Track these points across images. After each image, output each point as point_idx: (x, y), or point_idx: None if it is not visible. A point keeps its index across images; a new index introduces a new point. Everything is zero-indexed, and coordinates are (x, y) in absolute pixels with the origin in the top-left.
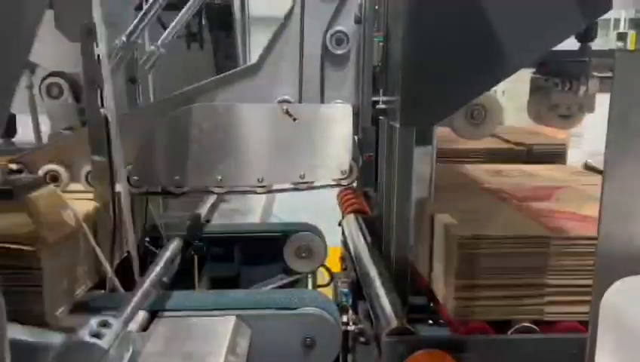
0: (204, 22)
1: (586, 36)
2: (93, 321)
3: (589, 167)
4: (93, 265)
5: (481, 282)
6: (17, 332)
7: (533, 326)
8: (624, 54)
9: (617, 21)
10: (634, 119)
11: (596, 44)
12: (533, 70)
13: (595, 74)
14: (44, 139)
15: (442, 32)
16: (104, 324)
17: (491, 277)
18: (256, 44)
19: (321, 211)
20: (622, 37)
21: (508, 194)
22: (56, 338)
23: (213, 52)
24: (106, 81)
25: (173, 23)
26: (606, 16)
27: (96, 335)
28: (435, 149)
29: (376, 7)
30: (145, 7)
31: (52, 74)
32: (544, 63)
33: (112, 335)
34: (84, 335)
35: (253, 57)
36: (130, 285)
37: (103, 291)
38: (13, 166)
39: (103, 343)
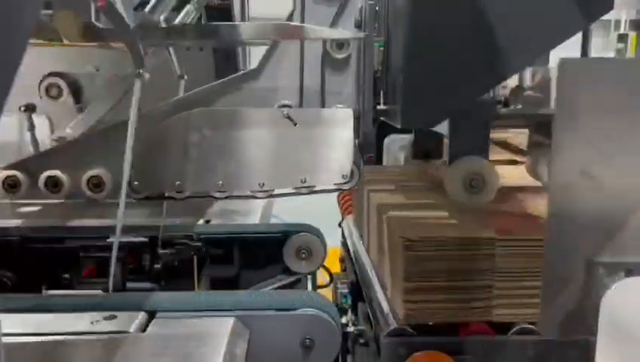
0: (203, 22)
1: None
2: None
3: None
4: None
5: (428, 285)
6: None
7: (534, 328)
8: (566, 61)
9: (618, 22)
10: (575, 118)
11: (597, 45)
12: (531, 131)
13: None
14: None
15: (442, 34)
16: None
17: (439, 280)
18: (255, 48)
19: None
20: (622, 38)
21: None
22: None
23: (213, 53)
24: None
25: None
26: (606, 17)
27: None
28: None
29: (377, 10)
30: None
31: (51, 74)
32: (543, 124)
33: None
34: None
35: (253, 58)
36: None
37: (100, 291)
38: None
39: None
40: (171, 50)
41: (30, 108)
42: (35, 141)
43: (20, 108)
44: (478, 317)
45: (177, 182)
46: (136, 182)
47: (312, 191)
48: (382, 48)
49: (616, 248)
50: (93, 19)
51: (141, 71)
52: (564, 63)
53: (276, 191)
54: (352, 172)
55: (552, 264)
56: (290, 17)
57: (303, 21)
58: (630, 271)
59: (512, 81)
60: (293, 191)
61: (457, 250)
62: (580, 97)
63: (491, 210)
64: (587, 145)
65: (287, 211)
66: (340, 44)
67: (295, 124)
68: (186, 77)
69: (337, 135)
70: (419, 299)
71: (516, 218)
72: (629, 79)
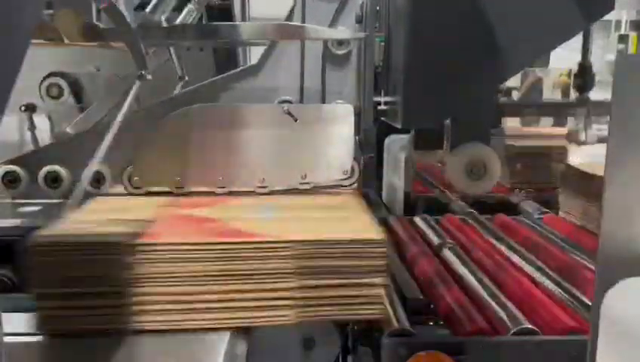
0: (204, 22)
1: (583, 87)
2: None
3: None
4: None
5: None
6: None
7: (535, 328)
8: (624, 58)
9: (618, 23)
10: (634, 123)
11: (598, 46)
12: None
13: (595, 127)
14: (42, 141)
15: (444, 32)
16: None
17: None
18: (256, 46)
19: None
20: (623, 39)
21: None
22: None
23: (214, 52)
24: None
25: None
26: (607, 17)
27: None
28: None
29: (378, 7)
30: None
31: (52, 74)
32: (543, 113)
33: None
34: None
35: (254, 58)
36: None
37: None
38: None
39: None
40: (172, 50)
41: (30, 108)
42: (35, 140)
43: (20, 108)
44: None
45: (177, 178)
46: (136, 178)
47: (312, 188)
48: (383, 43)
49: None
50: (94, 20)
51: (143, 72)
52: (622, 60)
53: (276, 187)
54: (352, 168)
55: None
56: (290, 14)
57: (303, 18)
58: None
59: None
60: (293, 187)
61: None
62: None
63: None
64: None
65: None
66: (341, 41)
67: (295, 120)
68: (187, 78)
69: (338, 131)
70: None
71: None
72: None
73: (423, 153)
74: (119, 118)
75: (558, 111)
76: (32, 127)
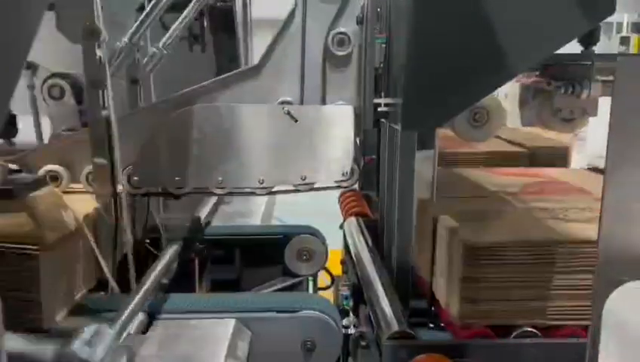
0: (206, 24)
1: (589, 40)
2: (87, 332)
3: (593, 169)
4: (93, 266)
5: (485, 287)
6: (11, 341)
7: (535, 331)
8: (625, 59)
9: (620, 25)
10: (634, 123)
11: (599, 48)
12: (536, 74)
13: (599, 78)
14: (46, 140)
15: (445, 34)
16: (98, 334)
17: (496, 282)
18: (258, 46)
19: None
20: (625, 41)
21: (512, 196)
22: (49, 348)
23: (215, 54)
24: (106, 82)
25: (175, 25)
26: (609, 19)
27: (89, 344)
28: (436, 152)
29: (379, 8)
30: (147, 8)
31: (54, 75)
32: (547, 67)
33: (105, 347)
34: (78, 347)
35: (255, 60)
36: (129, 287)
37: (102, 293)
38: (13, 166)
39: (95, 357)
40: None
41: (32, 67)
42: (35, 108)
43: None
44: (532, 319)
45: (177, 178)
46: (135, 178)
47: (312, 189)
48: (383, 45)
49: None
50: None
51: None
52: (623, 62)
53: (276, 188)
54: (351, 169)
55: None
56: (291, 15)
57: (304, 19)
58: None
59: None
60: (292, 188)
61: (515, 253)
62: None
63: (548, 210)
64: None
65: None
66: (341, 42)
67: (295, 121)
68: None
69: (338, 132)
70: (474, 300)
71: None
72: None
73: None
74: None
75: (562, 70)
76: (32, 88)
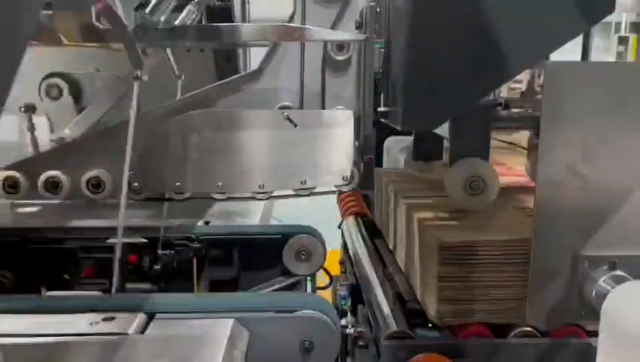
0: (204, 23)
1: None
2: None
3: None
4: None
5: (463, 286)
6: None
7: (534, 331)
8: (552, 64)
9: (618, 25)
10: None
11: (597, 47)
12: (531, 133)
13: None
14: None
15: (443, 36)
16: None
17: (474, 281)
18: (256, 47)
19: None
20: (623, 40)
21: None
22: None
23: (213, 54)
24: None
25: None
26: (607, 19)
27: None
28: None
29: (377, 12)
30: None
31: (52, 75)
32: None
33: None
34: None
35: (254, 60)
36: (128, 286)
37: (99, 292)
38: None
39: None
40: (169, 51)
41: (30, 109)
42: (34, 141)
43: (20, 109)
44: (513, 320)
45: (177, 183)
46: (136, 183)
47: (312, 193)
48: (382, 50)
49: (600, 242)
50: (93, 20)
51: (139, 73)
52: (550, 66)
53: (276, 193)
54: (351, 173)
55: (539, 258)
56: (291, 19)
57: (303, 23)
58: (613, 264)
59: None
60: (292, 192)
61: (494, 252)
62: (565, 98)
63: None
64: (573, 144)
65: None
66: (341, 46)
67: (295, 126)
68: (182, 77)
69: (337, 137)
70: (452, 300)
71: None
72: (611, 82)
73: (422, 164)
74: (130, 125)
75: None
76: (32, 128)
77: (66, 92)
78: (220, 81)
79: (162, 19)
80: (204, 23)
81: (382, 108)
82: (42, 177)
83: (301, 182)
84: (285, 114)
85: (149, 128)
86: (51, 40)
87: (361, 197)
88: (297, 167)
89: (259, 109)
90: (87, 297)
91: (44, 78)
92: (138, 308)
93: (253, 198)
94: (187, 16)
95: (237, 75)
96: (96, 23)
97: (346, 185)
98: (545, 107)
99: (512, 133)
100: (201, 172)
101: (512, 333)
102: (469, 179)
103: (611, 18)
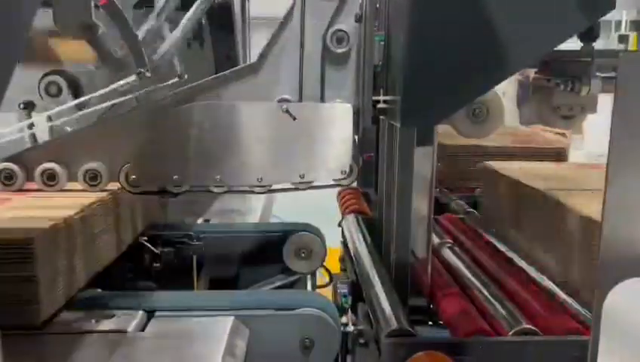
0: (204, 21)
1: (588, 36)
2: None
3: None
4: (91, 262)
5: None
6: None
7: (534, 329)
8: (628, 56)
9: (619, 23)
10: (637, 120)
11: (598, 45)
12: (535, 70)
13: (598, 74)
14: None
15: (443, 31)
16: None
17: None
18: (256, 44)
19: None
20: (623, 39)
21: None
22: None
23: (213, 51)
24: None
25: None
26: (607, 17)
27: None
28: (435, 149)
29: (377, 5)
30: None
31: (51, 72)
32: (546, 63)
33: None
34: None
35: (253, 58)
36: (127, 284)
37: (99, 289)
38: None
39: None
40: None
41: (29, 106)
42: (33, 139)
43: (19, 106)
44: None
45: (175, 176)
46: (133, 176)
47: (311, 187)
48: (382, 43)
49: None
50: (92, 18)
51: (142, 70)
52: (626, 58)
53: (274, 186)
54: (350, 168)
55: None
56: (289, 13)
57: (303, 16)
58: None
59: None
60: (291, 186)
61: None
62: None
63: None
64: None
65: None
66: (340, 39)
67: (294, 119)
68: (186, 76)
69: (336, 130)
70: None
71: None
72: None
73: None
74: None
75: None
76: (31, 125)
77: (65, 89)
78: (219, 74)
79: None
80: (204, 22)
81: (381, 105)
82: (39, 169)
83: (300, 176)
84: (284, 107)
85: (146, 121)
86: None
87: (361, 195)
88: (296, 160)
89: (257, 102)
90: (88, 293)
91: (43, 76)
92: (138, 305)
93: (252, 191)
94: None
95: (236, 68)
96: (97, 22)
97: (345, 179)
98: (617, 106)
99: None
100: (199, 165)
101: (513, 331)
102: (472, 105)
103: (611, 16)
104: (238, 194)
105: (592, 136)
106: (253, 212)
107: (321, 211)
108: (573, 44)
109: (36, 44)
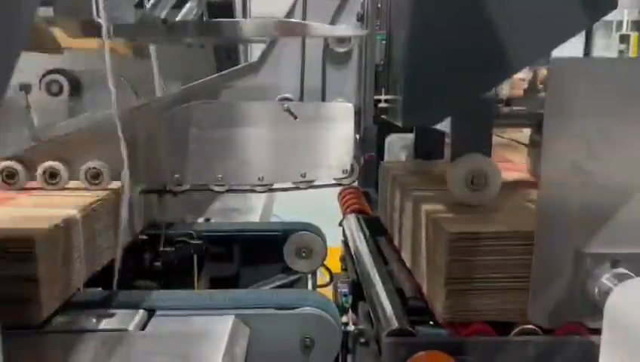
0: (205, 19)
1: None
2: None
3: None
4: (90, 261)
5: (473, 282)
6: None
7: (536, 329)
8: (557, 60)
9: (620, 23)
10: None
11: (599, 46)
12: (533, 131)
13: None
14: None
15: (445, 30)
16: None
17: (485, 277)
18: (257, 43)
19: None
20: (624, 39)
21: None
22: None
23: (214, 50)
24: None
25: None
26: (608, 17)
27: None
28: None
29: (379, 4)
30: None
31: (52, 71)
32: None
33: None
34: None
35: (255, 56)
36: (127, 283)
37: (99, 288)
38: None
39: None
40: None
41: (26, 88)
42: (31, 121)
43: (19, 88)
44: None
45: (176, 175)
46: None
47: (312, 186)
48: (384, 42)
49: (603, 240)
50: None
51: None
52: (555, 62)
53: (275, 186)
54: (352, 167)
55: (541, 255)
56: (291, 11)
57: (304, 15)
58: (616, 262)
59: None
60: (292, 185)
61: (507, 245)
62: (570, 94)
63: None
64: (577, 141)
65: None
66: (342, 39)
67: (295, 118)
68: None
69: (338, 129)
70: (461, 296)
71: None
72: (617, 78)
73: (424, 162)
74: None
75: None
76: (28, 107)
77: (66, 89)
78: (219, 73)
79: (162, 15)
80: (205, 19)
81: (382, 103)
82: (41, 168)
83: (301, 175)
84: (285, 106)
85: (147, 119)
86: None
87: (362, 195)
88: (297, 159)
89: (258, 101)
90: (87, 292)
91: (44, 75)
92: (138, 304)
93: (253, 191)
94: (188, 12)
95: (236, 67)
96: (97, 19)
97: (346, 178)
98: (548, 102)
99: (515, 132)
100: (200, 164)
101: (514, 331)
102: (470, 174)
103: (613, 16)
104: (238, 194)
105: None
106: (253, 211)
107: (321, 211)
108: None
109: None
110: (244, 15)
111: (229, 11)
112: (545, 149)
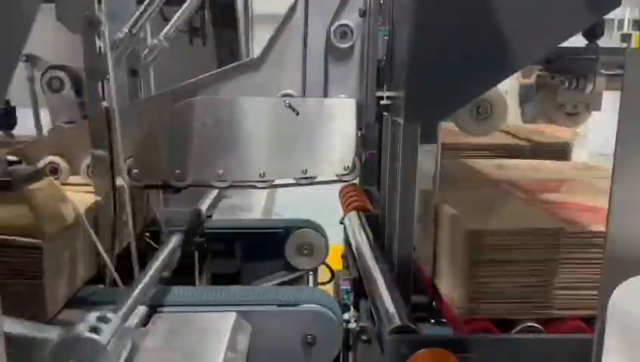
0: (207, 17)
1: (593, 33)
2: (92, 316)
3: None
4: (93, 258)
5: (489, 278)
6: (14, 327)
7: (538, 326)
8: (634, 53)
9: (621, 22)
10: None
11: (600, 44)
12: (540, 67)
13: (603, 71)
14: (45, 132)
15: (448, 27)
16: (102, 319)
17: (501, 273)
18: (258, 41)
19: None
20: (626, 38)
21: (515, 187)
22: (52, 333)
23: (216, 48)
24: (108, 73)
25: (177, 15)
26: (610, 16)
27: (94, 330)
28: (439, 146)
29: (381, 0)
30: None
31: (53, 67)
32: (550, 61)
33: (110, 330)
34: (82, 330)
35: (257, 54)
36: (129, 279)
37: (101, 285)
38: (12, 157)
39: (101, 339)
40: None
41: (32, 59)
42: (34, 95)
43: (22, 59)
44: (537, 311)
45: (177, 171)
46: (135, 170)
47: (313, 182)
48: (386, 37)
49: None
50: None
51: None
52: (630, 55)
53: (277, 182)
54: (353, 163)
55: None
56: (293, 8)
57: (307, 10)
58: None
59: None
60: (293, 181)
61: (520, 241)
62: None
63: (550, 201)
64: None
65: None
66: (344, 34)
67: (297, 114)
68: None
69: (339, 126)
70: (478, 292)
71: (577, 208)
72: None
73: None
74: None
75: (566, 63)
76: (32, 79)
77: (67, 85)
78: (221, 68)
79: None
80: (207, 16)
81: (384, 102)
82: (42, 162)
83: (302, 171)
84: (287, 102)
85: (149, 115)
86: None
87: (363, 193)
88: (299, 155)
89: (260, 97)
90: (90, 289)
91: (45, 71)
92: (141, 301)
93: (254, 187)
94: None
95: (238, 62)
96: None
97: (348, 174)
98: (624, 102)
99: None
100: (201, 160)
101: (516, 329)
102: (476, 103)
103: (614, 15)
104: (240, 190)
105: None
106: (255, 208)
107: (322, 208)
108: (578, 43)
109: None
110: (246, 14)
111: (231, 11)
112: (617, 164)
